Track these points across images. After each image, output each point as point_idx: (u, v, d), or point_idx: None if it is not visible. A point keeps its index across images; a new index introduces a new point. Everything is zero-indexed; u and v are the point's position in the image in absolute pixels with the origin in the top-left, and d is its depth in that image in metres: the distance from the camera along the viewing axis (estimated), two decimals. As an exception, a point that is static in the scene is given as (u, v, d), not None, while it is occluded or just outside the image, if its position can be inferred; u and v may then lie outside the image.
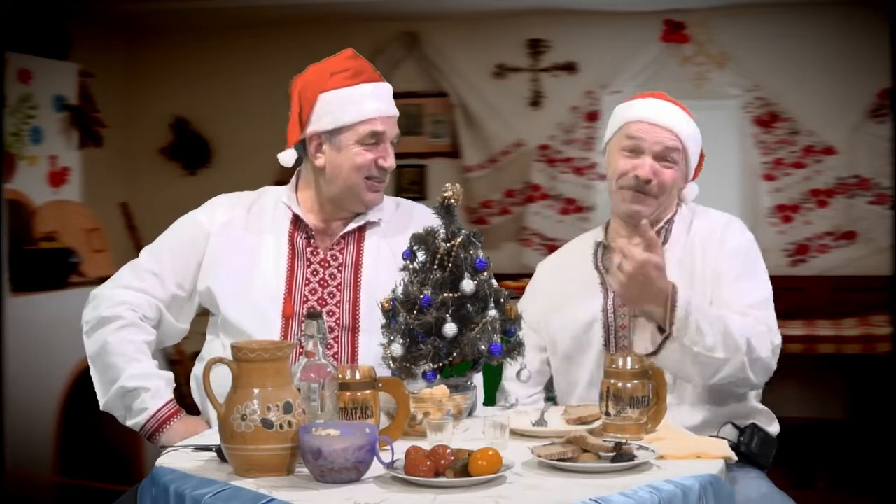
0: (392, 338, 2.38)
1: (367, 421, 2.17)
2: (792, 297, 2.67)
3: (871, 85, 6.39)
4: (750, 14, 6.65)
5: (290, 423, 1.98)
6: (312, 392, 2.10)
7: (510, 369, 2.63)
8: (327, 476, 1.93)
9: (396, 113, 2.66)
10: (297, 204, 2.68)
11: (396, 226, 2.68)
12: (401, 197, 2.91)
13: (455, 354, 2.36)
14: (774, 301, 2.61)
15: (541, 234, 6.95)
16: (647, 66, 6.80)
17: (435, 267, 2.37)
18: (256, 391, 1.98)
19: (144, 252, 2.73)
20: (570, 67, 7.00)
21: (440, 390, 2.33)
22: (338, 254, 2.65)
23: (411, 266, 2.41)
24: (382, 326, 2.41)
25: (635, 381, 2.29)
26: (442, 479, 1.91)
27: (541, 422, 2.37)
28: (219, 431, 2.02)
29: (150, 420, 2.53)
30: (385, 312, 2.41)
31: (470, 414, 2.46)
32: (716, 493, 2.01)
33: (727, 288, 2.57)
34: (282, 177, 4.83)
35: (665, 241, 2.68)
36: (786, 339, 2.66)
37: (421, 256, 2.40)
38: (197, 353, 2.73)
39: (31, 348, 4.67)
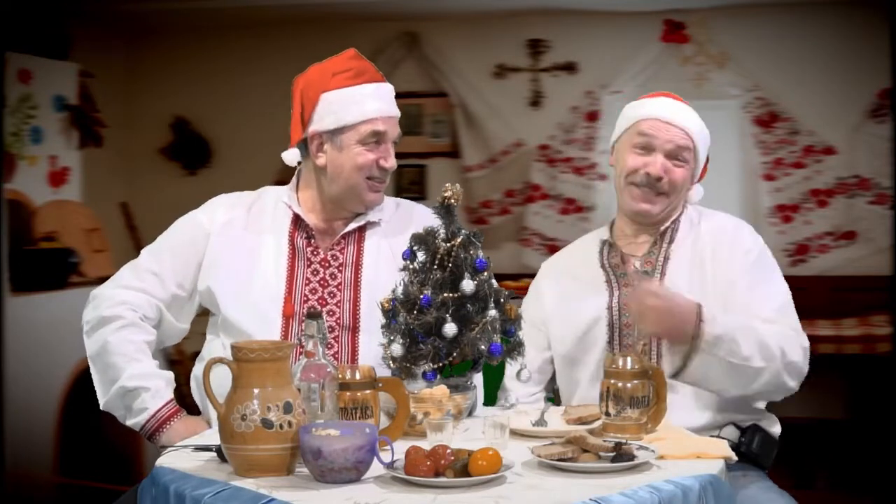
0: (392, 338, 2.38)
1: (367, 421, 2.17)
2: (792, 297, 2.66)
3: (871, 85, 6.39)
4: (750, 14, 6.66)
5: (290, 423, 1.98)
6: (312, 392, 2.10)
7: (510, 369, 2.63)
8: (327, 476, 1.93)
9: (398, 113, 2.66)
10: (297, 204, 2.68)
11: (397, 226, 2.68)
12: (401, 197, 2.91)
13: (455, 354, 2.36)
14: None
15: (541, 234, 6.95)
16: (647, 66, 6.80)
17: (435, 267, 2.37)
18: (256, 391, 1.98)
19: (144, 252, 2.73)
20: (570, 67, 7.00)
21: (440, 390, 2.33)
22: (338, 253, 2.65)
23: (411, 266, 2.41)
24: (382, 326, 2.41)
25: (635, 381, 2.29)
26: (442, 479, 1.91)
27: (541, 422, 2.37)
28: (219, 431, 2.02)
29: (150, 420, 2.53)
30: (385, 312, 2.41)
31: (470, 414, 2.46)
32: (716, 493, 2.01)
33: (747, 295, 2.57)
34: (282, 177, 4.84)
35: (672, 241, 2.68)
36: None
37: (421, 256, 2.40)
38: (197, 353, 2.73)
39: (31, 348, 4.67)
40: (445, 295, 2.34)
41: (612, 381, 2.30)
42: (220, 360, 2.05)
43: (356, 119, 2.59)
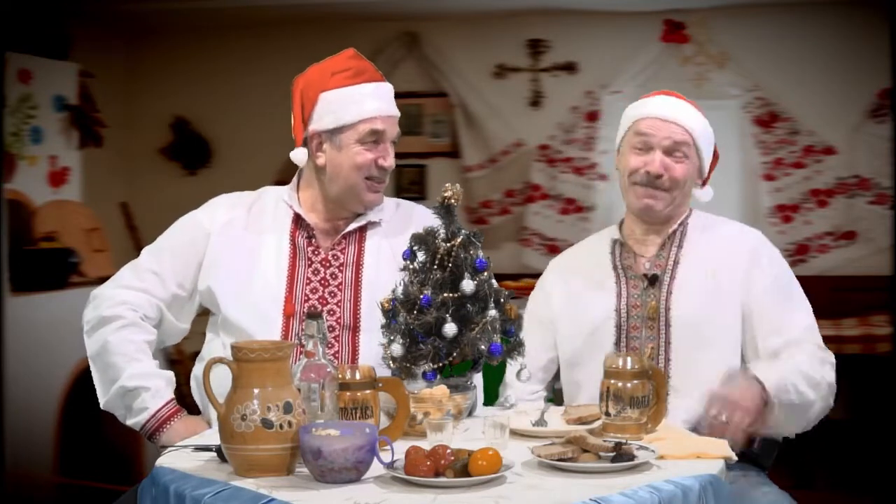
0: (392, 338, 2.38)
1: (367, 421, 2.17)
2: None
3: (871, 85, 6.39)
4: (750, 14, 6.65)
5: (290, 423, 1.98)
6: (312, 392, 2.10)
7: (511, 369, 2.63)
8: (327, 476, 1.93)
9: (397, 113, 2.66)
10: (298, 203, 2.68)
11: (397, 226, 2.68)
12: (401, 197, 2.91)
13: (455, 354, 2.36)
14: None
15: (541, 234, 6.95)
16: (647, 66, 6.79)
17: (435, 267, 2.37)
18: (256, 391, 1.98)
19: (145, 252, 2.73)
20: (570, 67, 7.00)
21: (440, 390, 2.33)
22: (339, 253, 2.65)
23: (411, 266, 2.41)
24: (382, 326, 2.41)
25: (635, 381, 2.29)
26: (442, 479, 1.91)
27: (541, 422, 2.37)
28: (219, 431, 2.02)
29: (150, 420, 2.53)
30: (385, 312, 2.41)
31: (470, 414, 2.46)
32: (716, 493, 2.01)
33: (775, 317, 2.59)
34: (282, 177, 4.83)
35: (681, 246, 2.68)
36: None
37: (421, 256, 2.40)
38: (197, 353, 2.73)
39: (31, 348, 4.66)
40: (445, 295, 2.34)
41: (612, 381, 2.30)
42: (220, 360, 2.05)
43: (355, 118, 2.59)
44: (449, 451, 1.95)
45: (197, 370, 2.67)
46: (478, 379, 2.55)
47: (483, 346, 2.35)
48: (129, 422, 2.57)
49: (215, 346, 2.63)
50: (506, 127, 7.04)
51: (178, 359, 5.62)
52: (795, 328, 2.59)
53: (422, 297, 2.35)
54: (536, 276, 2.97)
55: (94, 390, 2.62)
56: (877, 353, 5.63)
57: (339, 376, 2.18)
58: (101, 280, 2.81)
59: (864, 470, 4.97)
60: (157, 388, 2.55)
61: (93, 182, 5.92)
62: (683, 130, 2.66)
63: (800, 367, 2.49)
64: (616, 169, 2.78)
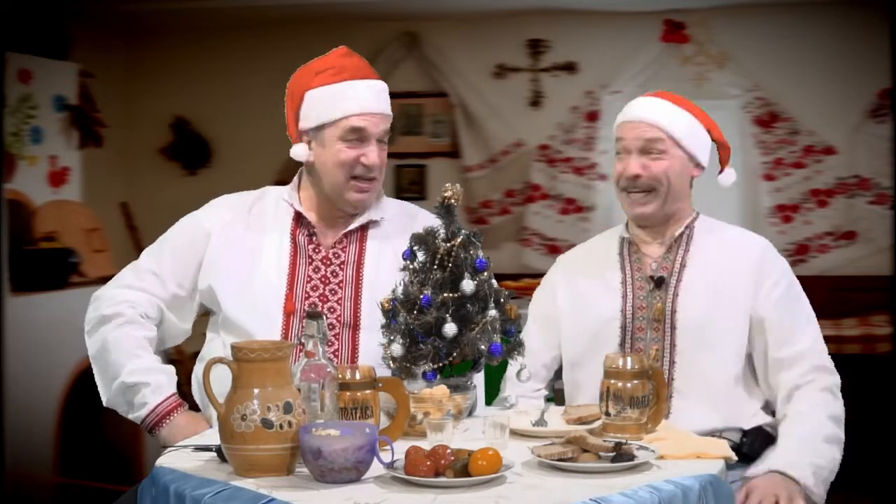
0: (392, 338, 2.38)
1: (367, 421, 2.17)
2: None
3: (871, 85, 6.39)
4: (750, 14, 6.65)
5: (290, 423, 1.98)
6: (312, 392, 2.10)
7: (511, 369, 2.63)
8: (327, 476, 1.93)
9: (383, 110, 2.63)
10: (298, 202, 2.69)
11: (399, 226, 2.68)
12: (401, 197, 2.92)
13: (455, 354, 2.36)
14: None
15: (541, 234, 6.95)
16: (647, 66, 6.79)
17: (435, 267, 2.37)
18: (256, 391, 1.98)
19: (145, 253, 2.75)
20: (570, 67, 7.00)
21: (440, 390, 2.33)
22: (340, 252, 2.66)
23: (411, 266, 2.41)
24: (382, 326, 2.41)
25: (635, 381, 2.29)
26: (442, 479, 1.91)
27: (541, 422, 2.37)
28: (219, 431, 2.02)
29: (150, 414, 2.54)
30: (385, 312, 2.41)
31: (470, 414, 2.46)
32: (716, 493, 2.01)
33: (786, 326, 2.60)
34: (282, 177, 4.83)
35: (687, 249, 2.68)
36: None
37: (421, 256, 2.40)
38: (197, 353, 2.74)
39: (31, 348, 4.67)
40: (445, 295, 2.34)
41: (612, 381, 2.30)
42: (220, 360, 2.05)
43: (335, 116, 2.59)
44: (449, 451, 1.95)
45: (198, 370, 2.67)
46: (478, 379, 2.55)
47: (483, 346, 2.35)
48: (131, 416, 2.58)
49: (216, 345, 2.63)
50: (506, 127, 7.04)
51: (178, 359, 5.61)
52: (802, 344, 2.61)
53: (422, 297, 2.35)
54: (536, 276, 2.97)
55: (94, 390, 2.63)
56: (877, 353, 5.63)
57: (339, 376, 2.18)
58: (102, 280, 2.82)
59: (864, 470, 4.96)
60: (158, 383, 2.55)
61: (93, 182, 5.92)
62: (655, 128, 2.65)
63: (824, 425, 2.52)
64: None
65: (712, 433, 2.51)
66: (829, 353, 2.70)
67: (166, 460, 2.12)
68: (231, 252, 2.65)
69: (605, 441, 2.10)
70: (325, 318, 2.23)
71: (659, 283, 2.65)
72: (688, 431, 2.37)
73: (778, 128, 6.63)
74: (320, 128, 2.61)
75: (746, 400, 2.60)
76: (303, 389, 2.08)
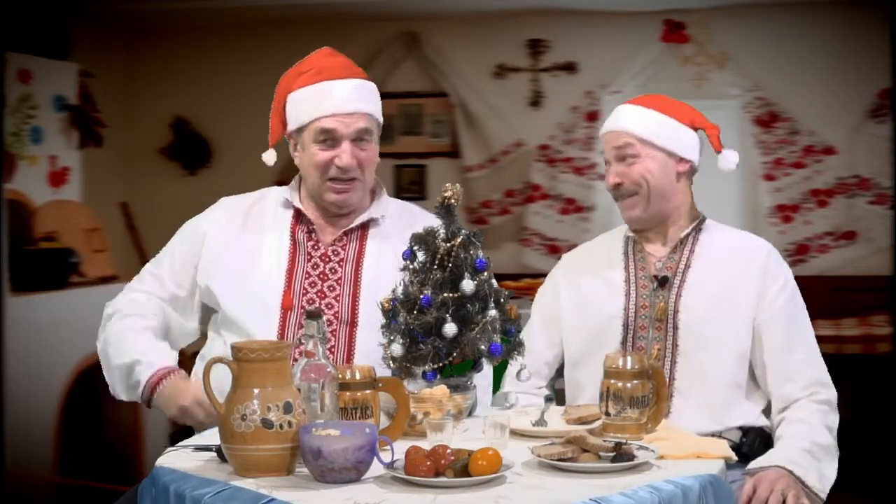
0: (392, 338, 2.38)
1: (367, 421, 2.17)
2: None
3: (871, 85, 6.39)
4: (750, 14, 6.65)
5: (290, 423, 1.98)
6: (312, 392, 2.10)
7: (511, 369, 2.63)
8: (327, 476, 1.93)
9: (359, 109, 2.62)
10: (299, 200, 2.71)
11: (400, 226, 2.69)
12: (400, 197, 2.92)
13: (455, 354, 2.36)
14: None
15: (541, 234, 6.95)
16: (647, 66, 6.80)
17: (435, 267, 2.37)
18: (256, 391, 1.98)
19: (149, 262, 2.81)
20: (570, 67, 7.00)
21: (440, 390, 2.33)
22: (339, 249, 2.67)
23: (411, 266, 2.41)
24: (382, 326, 2.41)
25: (635, 381, 2.29)
26: (442, 479, 1.91)
27: (541, 422, 2.37)
28: (219, 431, 2.02)
29: (143, 390, 2.56)
30: (385, 312, 2.41)
31: (470, 414, 2.46)
32: (716, 493, 2.01)
33: (783, 339, 2.61)
34: (282, 177, 4.83)
35: (692, 250, 2.69)
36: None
37: (421, 256, 2.40)
38: (197, 354, 2.75)
39: (31, 348, 4.66)
40: (445, 295, 2.34)
41: (612, 381, 2.30)
42: (220, 360, 2.05)
43: (308, 118, 2.61)
44: (449, 451, 1.95)
45: (198, 368, 2.68)
46: (483, 378, 2.55)
47: (483, 346, 2.35)
48: (135, 398, 2.60)
49: (216, 345, 2.65)
50: (506, 127, 7.04)
51: (179, 358, 5.61)
52: (801, 353, 2.62)
53: (422, 297, 2.35)
54: (536, 276, 2.98)
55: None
56: (877, 353, 5.63)
57: (339, 376, 2.18)
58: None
59: (864, 470, 4.97)
60: (150, 361, 2.57)
61: (93, 182, 5.92)
62: (623, 134, 2.69)
63: (820, 435, 2.53)
64: None
65: (712, 433, 2.51)
66: (829, 353, 2.71)
67: (166, 460, 2.12)
68: (230, 251, 2.67)
69: (605, 441, 2.10)
70: (324, 319, 2.24)
71: (662, 282, 2.65)
72: (688, 431, 2.37)
73: (778, 128, 6.63)
74: (300, 130, 2.64)
75: (747, 401, 2.61)
76: (303, 389, 2.08)
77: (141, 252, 6.78)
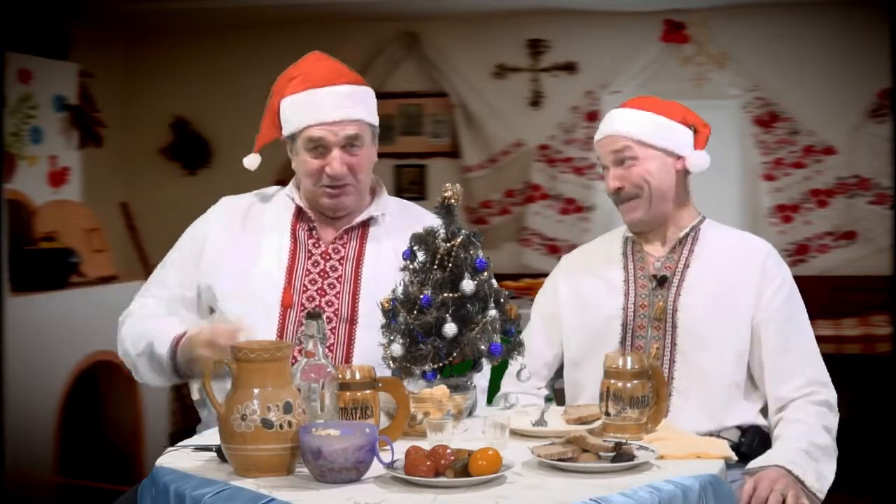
0: (392, 338, 2.38)
1: (367, 421, 2.17)
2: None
3: (871, 85, 6.39)
4: (750, 14, 6.65)
5: (290, 423, 1.98)
6: (312, 392, 2.10)
7: (511, 369, 2.63)
8: (327, 476, 1.93)
9: (347, 116, 2.61)
10: (299, 197, 2.73)
11: (399, 224, 2.69)
12: (401, 197, 2.92)
13: (455, 354, 2.36)
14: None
15: (541, 234, 6.95)
16: (647, 66, 6.80)
17: (435, 267, 2.37)
18: (256, 391, 1.98)
19: (156, 268, 2.82)
20: (570, 67, 7.00)
21: (440, 390, 2.33)
22: (340, 247, 2.67)
23: (411, 266, 2.41)
24: (382, 326, 2.41)
25: (635, 381, 2.29)
26: (442, 479, 1.92)
27: (541, 422, 2.37)
28: (219, 431, 2.02)
29: (168, 364, 2.54)
30: (385, 312, 2.41)
31: (470, 414, 2.47)
32: (716, 493, 2.01)
33: (783, 335, 2.61)
34: (282, 177, 4.84)
35: (692, 250, 2.69)
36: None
37: (421, 256, 2.40)
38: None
39: (31, 348, 4.66)
40: (445, 295, 2.34)
41: (612, 381, 2.30)
42: (220, 360, 2.05)
43: (298, 127, 2.63)
44: (449, 451, 1.95)
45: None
46: (481, 379, 2.55)
47: (483, 346, 2.35)
48: (174, 377, 2.58)
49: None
50: (506, 127, 7.04)
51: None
52: (800, 353, 2.62)
53: (422, 297, 2.35)
54: (536, 276, 2.98)
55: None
56: (877, 353, 5.63)
57: (339, 376, 2.18)
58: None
59: (864, 470, 4.97)
60: (161, 337, 2.56)
61: (93, 182, 5.92)
62: (619, 137, 2.69)
63: (819, 435, 2.52)
64: None
65: (711, 433, 2.51)
66: (829, 354, 2.71)
67: (166, 460, 2.12)
68: (230, 251, 2.68)
69: (605, 441, 2.10)
70: (324, 319, 2.24)
71: (661, 281, 2.66)
72: (688, 431, 2.37)
73: (778, 128, 6.63)
74: (293, 137, 2.65)
75: (745, 401, 2.61)
76: (303, 389, 2.08)
77: (141, 252, 6.78)
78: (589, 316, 2.71)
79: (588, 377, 2.64)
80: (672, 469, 2.03)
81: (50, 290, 4.96)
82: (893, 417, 4.72)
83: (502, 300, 2.41)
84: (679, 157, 2.70)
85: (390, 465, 1.96)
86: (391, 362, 2.38)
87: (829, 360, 2.68)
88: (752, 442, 2.58)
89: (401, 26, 7.08)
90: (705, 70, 6.72)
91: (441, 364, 2.36)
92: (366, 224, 2.71)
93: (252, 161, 2.76)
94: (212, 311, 2.72)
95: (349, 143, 2.61)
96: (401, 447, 1.98)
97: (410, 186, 7.15)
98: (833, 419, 2.59)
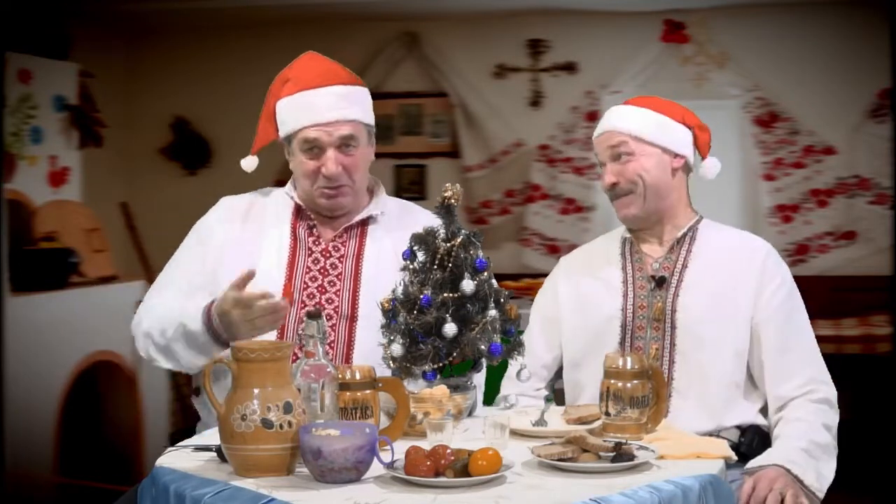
0: (392, 338, 2.38)
1: (367, 421, 2.17)
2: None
3: (871, 85, 6.39)
4: (750, 14, 6.65)
5: (290, 423, 1.98)
6: (312, 392, 2.10)
7: (511, 369, 2.64)
8: (327, 476, 1.93)
9: (341, 117, 2.62)
10: (299, 197, 2.73)
11: (399, 223, 2.70)
12: (401, 197, 2.93)
13: (455, 354, 2.36)
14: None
15: (541, 234, 6.95)
16: (647, 66, 6.79)
17: (435, 267, 2.37)
18: (256, 391, 1.98)
19: (159, 275, 2.80)
20: (570, 67, 7.00)
21: (440, 390, 2.33)
22: (340, 245, 2.68)
23: (411, 266, 2.41)
24: (382, 326, 2.42)
25: (635, 381, 2.29)
26: (442, 479, 1.92)
27: (541, 422, 2.37)
28: (219, 431, 2.02)
29: (206, 332, 2.49)
30: (385, 312, 2.41)
31: (470, 414, 2.47)
32: (716, 493, 2.01)
33: (783, 335, 2.61)
34: (282, 177, 4.85)
35: (690, 250, 2.69)
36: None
37: (421, 256, 2.40)
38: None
39: (31, 348, 4.66)
40: (445, 295, 2.34)
41: (612, 381, 2.30)
42: (220, 360, 2.05)
43: (292, 128, 2.64)
44: (449, 451, 1.95)
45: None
46: (478, 379, 2.55)
47: (483, 346, 2.35)
48: (216, 350, 2.51)
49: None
50: (506, 127, 7.04)
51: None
52: (800, 352, 2.62)
53: (422, 297, 2.35)
54: (536, 276, 2.98)
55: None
56: (877, 353, 5.63)
57: (339, 376, 2.18)
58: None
59: (864, 470, 4.97)
60: (191, 313, 2.52)
61: (93, 182, 5.91)
62: (616, 133, 2.70)
63: (819, 434, 2.52)
64: None
65: (711, 433, 2.51)
66: (829, 354, 2.71)
67: (166, 460, 2.12)
68: (231, 251, 2.68)
69: (605, 441, 2.10)
70: (324, 318, 2.24)
71: (660, 282, 2.66)
72: (687, 431, 2.37)
73: (778, 128, 6.63)
74: (288, 139, 2.66)
75: (745, 400, 2.61)
76: (303, 389, 2.08)
77: (141, 252, 6.78)
78: (589, 316, 2.71)
79: (588, 377, 2.64)
80: (672, 469, 2.03)
81: (50, 290, 4.96)
82: (893, 417, 4.72)
83: (502, 300, 2.41)
84: (677, 156, 2.70)
85: (390, 465, 1.96)
86: (391, 362, 2.38)
87: (829, 360, 2.68)
88: (751, 442, 2.58)
89: (401, 26, 7.08)
90: (705, 70, 6.72)
91: (441, 364, 2.36)
92: (365, 223, 2.71)
93: (249, 163, 2.76)
94: None
95: (344, 144, 2.62)
96: (401, 447, 1.98)
97: (410, 186, 7.15)
98: (833, 416, 2.58)
